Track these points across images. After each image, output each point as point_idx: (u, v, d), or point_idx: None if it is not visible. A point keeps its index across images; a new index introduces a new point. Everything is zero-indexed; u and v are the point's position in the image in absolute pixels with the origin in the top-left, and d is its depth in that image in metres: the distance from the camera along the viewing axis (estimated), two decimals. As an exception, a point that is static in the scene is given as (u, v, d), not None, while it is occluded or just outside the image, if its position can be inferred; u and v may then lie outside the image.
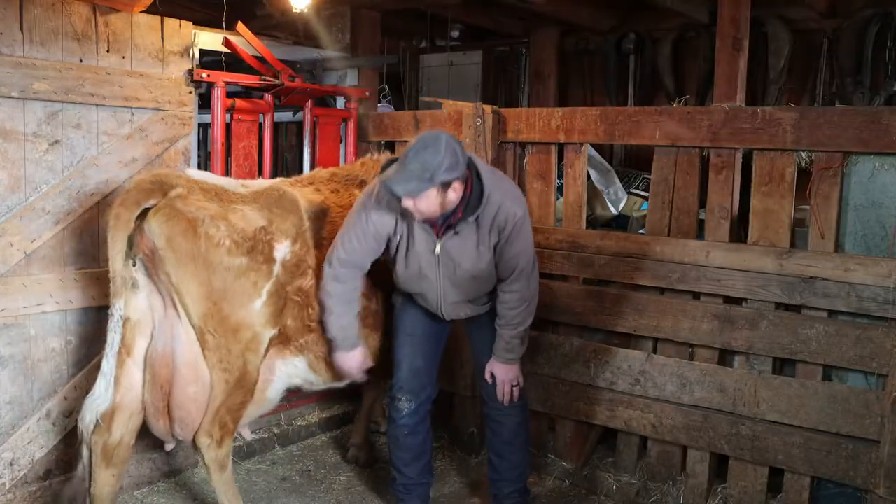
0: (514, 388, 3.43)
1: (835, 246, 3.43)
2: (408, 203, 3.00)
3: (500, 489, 3.58)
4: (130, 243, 3.03)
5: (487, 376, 3.43)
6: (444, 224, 3.16)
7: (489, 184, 3.12)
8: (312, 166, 4.56)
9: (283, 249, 3.28)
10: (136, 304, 3.12)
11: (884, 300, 3.23)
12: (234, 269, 3.11)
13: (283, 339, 3.39)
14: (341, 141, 4.83)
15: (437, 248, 3.19)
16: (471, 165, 3.11)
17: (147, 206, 3.03)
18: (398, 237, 3.24)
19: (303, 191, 3.60)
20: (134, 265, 3.07)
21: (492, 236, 3.18)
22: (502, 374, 3.40)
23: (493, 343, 3.40)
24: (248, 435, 3.58)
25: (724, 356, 3.71)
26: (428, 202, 2.99)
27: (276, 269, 3.25)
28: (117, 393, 3.11)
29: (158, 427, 3.24)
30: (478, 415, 4.38)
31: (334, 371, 3.67)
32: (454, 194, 3.03)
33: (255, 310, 3.19)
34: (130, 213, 3.01)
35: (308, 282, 3.40)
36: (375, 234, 3.22)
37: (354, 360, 3.45)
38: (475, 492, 3.97)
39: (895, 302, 3.21)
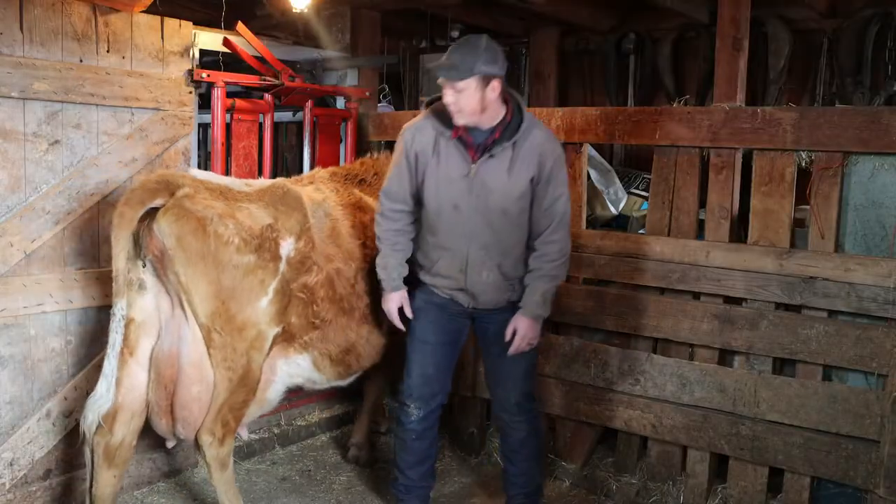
0: (528, 346, 3.32)
1: (835, 246, 3.43)
2: (449, 98, 3.05)
3: (508, 490, 3.61)
4: (138, 244, 3.04)
5: (509, 332, 3.29)
6: (480, 147, 3.16)
7: (529, 119, 3.18)
8: (312, 166, 4.56)
9: (288, 246, 3.29)
10: (142, 304, 3.12)
11: (884, 300, 3.23)
12: (242, 267, 3.12)
13: (286, 337, 3.40)
14: (341, 141, 4.83)
15: (472, 170, 3.16)
16: (513, 98, 3.19)
17: (152, 205, 3.04)
18: (435, 159, 3.21)
19: (304, 189, 3.61)
20: (144, 266, 3.07)
21: (529, 167, 3.14)
22: (526, 329, 3.26)
23: (517, 359, 3.33)
24: (245, 435, 3.58)
25: (724, 356, 3.71)
26: (468, 97, 3.03)
27: (282, 266, 3.26)
28: (119, 394, 3.11)
29: (161, 426, 3.25)
30: (478, 415, 4.39)
31: (338, 369, 3.68)
32: (493, 95, 3.06)
33: (261, 308, 3.19)
34: (134, 212, 3.02)
35: (312, 278, 3.41)
36: (413, 158, 3.24)
37: (391, 301, 3.40)
38: (475, 492, 3.97)
39: (895, 302, 3.21)
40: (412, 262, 3.43)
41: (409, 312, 3.43)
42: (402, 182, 3.31)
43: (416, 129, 3.26)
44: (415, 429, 3.44)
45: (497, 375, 3.47)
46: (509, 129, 3.15)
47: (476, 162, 3.16)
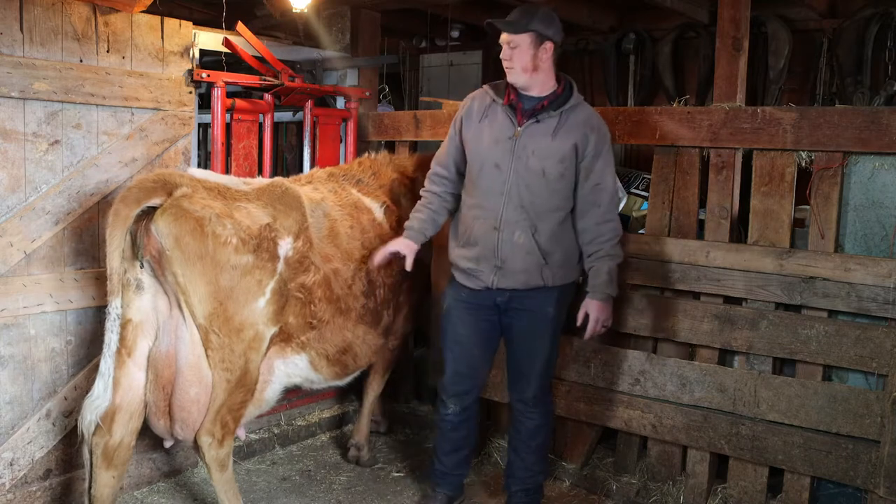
0: (603, 328, 3.39)
1: (835, 246, 3.43)
2: (505, 53, 3.24)
3: (509, 485, 3.62)
4: (136, 245, 3.03)
5: (581, 317, 3.36)
6: (528, 112, 3.29)
7: (580, 98, 3.35)
8: (312, 166, 4.56)
9: (286, 246, 3.29)
10: (139, 305, 3.11)
11: (884, 300, 3.23)
12: (240, 268, 3.11)
13: (284, 337, 3.39)
14: (341, 141, 4.83)
15: (518, 132, 3.28)
16: (567, 79, 3.38)
17: (149, 204, 3.03)
18: (484, 122, 3.36)
19: (303, 189, 3.61)
20: (142, 266, 3.06)
21: (573, 135, 3.25)
22: (598, 311, 3.33)
23: (537, 347, 3.39)
24: (243, 435, 3.58)
25: (724, 356, 3.71)
26: (521, 53, 3.21)
27: (280, 266, 3.25)
28: (117, 394, 3.10)
29: (159, 427, 3.25)
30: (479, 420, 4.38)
31: (335, 369, 3.68)
32: (546, 56, 3.24)
33: (258, 308, 3.19)
34: (130, 210, 3.01)
35: (310, 278, 3.40)
36: (459, 123, 3.45)
37: (393, 243, 3.51)
38: (475, 492, 3.97)
39: (895, 302, 3.21)
40: (449, 246, 3.52)
41: (408, 265, 3.49)
42: (449, 147, 3.51)
43: (473, 98, 3.47)
44: (451, 420, 3.57)
45: (520, 370, 3.49)
46: (558, 100, 3.30)
47: (522, 125, 3.28)
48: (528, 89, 3.30)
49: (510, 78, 3.29)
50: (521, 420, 3.55)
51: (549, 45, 3.25)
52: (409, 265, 3.49)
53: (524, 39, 3.21)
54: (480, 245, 3.35)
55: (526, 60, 3.23)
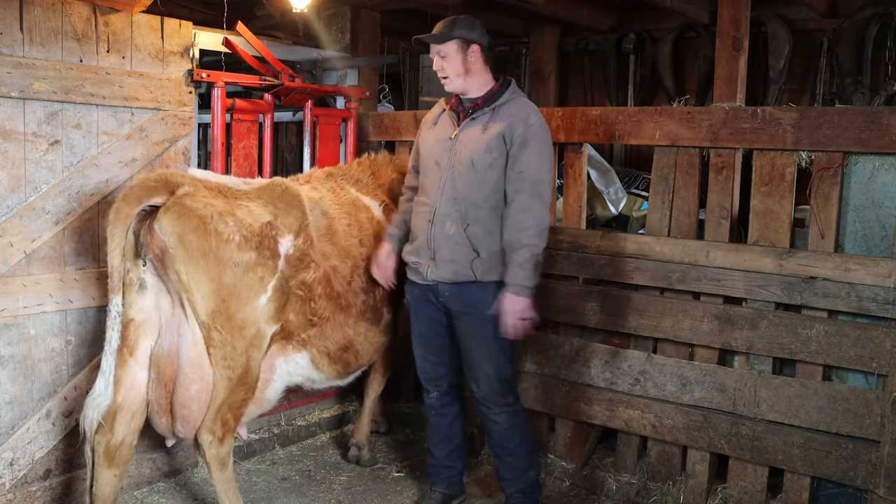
0: (523, 323, 3.27)
1: (835, 246, 3.43)
2: (436, 65, 3.42)
3: (504, 488, 3.62)
4: (139, 243, 3.04)
5: (496, 309, 3.31)
6: (466, 112, 3.44)
7: (516, 94, 3.43)
8: (312, 166, 4.56)
9: (286, 244, 3.30)
10: (142, 304, 3.12)
11: (884, 300, 3.23)
12: (242, 265, 3.12)
13: (284, 335, 3.40)
14: (341, 141, 4.83)
15: (455, 131, 3.42)
16: (506, 80, 3.48)
17: (150, 203, 3.04)
18: (432, 128, 3.55)
19: (302, 188, 3.62)
20: (144, 265, 3.07)
21: (500, 126, 3.31)
22: (508, 304, 3.25)
23: (480, 347, 3.39)
24: (245, 434, 3.58)
25: (724, 356, 3.71)
26: (450, 61, 3.37)
27: (281, 263, 3.26)
28: (118, 393, 3.11)
29: (161, 425, 3.26)
30: (476, 415, 4.38)
31: (336, 367, 3.69)
32: (474, 58, 3.37)
33: (260, 305, 3.20)
34: (131, 209, 3.02)
35: (310, 275, 3.41)
36: (422, 127, 3.64)
37: (380, 249, 3.70)
38: (474, 492, 3.97)
39: (895, 302, 3.21)
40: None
41: (386, 269, 3.67)
42: (412, 156, 3.71)
43: (431, 110, 3.67)
44: (433, 405, 3.67)
45: (469, 370, 3.51)
46: (494, 97, 3.41)
47: (461, 125, 3.42)
48: (467, 93, 3.44)
49: (447, 87, 3.44)
50: (487, 425, 3.56)
51: (475, 48, 3.36)
52: (388, 268, 3.69)
53: (451, 47, 3.36)
54: (419, 238, 3.48)
55: (457, 66, 3.37)
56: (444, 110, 3.55)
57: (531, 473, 3.59)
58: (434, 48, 3.41)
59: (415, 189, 3.65)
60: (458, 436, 3.71)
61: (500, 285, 3.32)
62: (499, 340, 3.38)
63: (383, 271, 3.68)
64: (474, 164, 3.32)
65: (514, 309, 3.25)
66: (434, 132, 3.53)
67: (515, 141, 3.29)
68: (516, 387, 3.69)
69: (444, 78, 3.41)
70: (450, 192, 3.37)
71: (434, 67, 3.46)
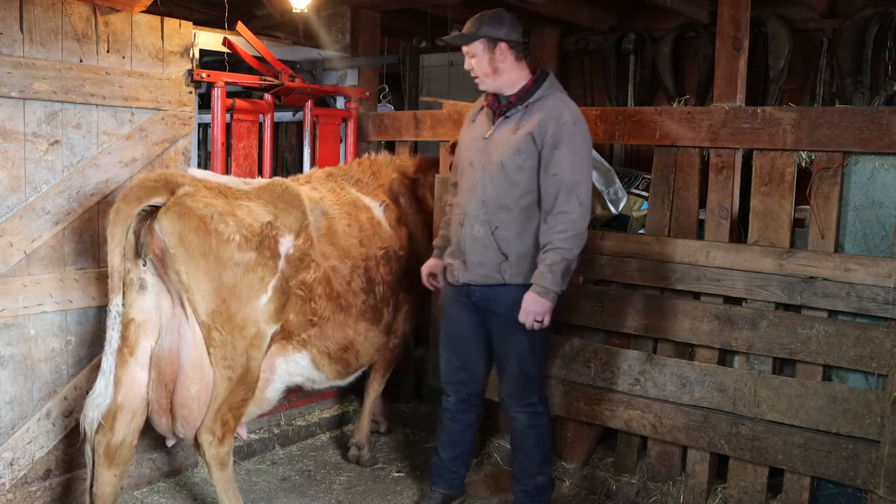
0: (536, 323, 3.24)
1: (835, 246, 3.43)
2: (467, 65, 3.36)
3: (513, 486, 3.63)
4: (140, 243, 3.04)
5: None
6: (500, 111, 3.37)
7: (552, 90, 3.33)
8: (312, 166, 4.56)
9: (287, 244, 3.30)
10: (142, 304, 3.12)
11: (884, 300, 3.23)
12: (243, 265, 3.13)
13: (285, 335, 3.41)
14: (341, 141, 4.84)
15: (490, 130, 3.37)
16: (542, 73, 3.39)
17: (150, 203, 3.04)
18: (470, 126, 3.51)
19: (302, 188, 3.62)
20: (144, 265, 3.07)
21: (531, 126, 3.23)
22: (528, 302, 3.21)
23: (509, 346, 3.39)
24: (245, 434, 3.59)
25: (724, 356, 3.71)
26: (479, 61, 3.31)
27: (281, 263, 3.27)
28: (119, 392, 3.11)
29: (161, 424, 3.26)
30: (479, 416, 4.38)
31: (337, 367, 3.69)
32: (503, 57, 3.28)
33: (260, 305, 3.20)
34: (131, 209, 3.02)
35: (310, 275, 3.41)
36: (464, 124, 3.58)
37: (425, 265, 3.69)
38: (474, 492, 3.97)
39: (895, 302, 3.21)
40: None
41: (439, 280, 3.64)
42: (456, 153, 3.63)
43: (474, 105, 3.61)
44: (449, 409, 3.64)
45: (498, 367, 3.53)
46: (527, 94, 3.32)
47: (495, 124, 3.37)
48: (501, 91, 3.37)
49: (480, 87, 3.39)
50: (510, 420, 3.58)
51: (503, 46, 3.28)
52: (440, 282, 3.65)
53: (478, 47, 3.30)
54: (453, 240, 3.48)
55: (485, 66, 3.31)
56: (482, 107, 3.49)
57: (540, 479, 3.57)
58: (464, 48, 3.35)
59: (454, 186, 3.63)
60: (468, 443, 3.70)
61: (528, 288, 3.28)
62: (527, 342, 3.36)
63: (431, 282, 3.71)
64: (504, 165, 3.26)
65: (535, 310, 3.21)
66: (471, 130, 3.49)
67: (547, 141, 3.20)
68: (545, 390, 3.66)
69: (475, 77, 3.35)
70: (479, 195, 3.33)
71: (465, 67, 3.39)
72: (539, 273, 3.23)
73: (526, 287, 3.27)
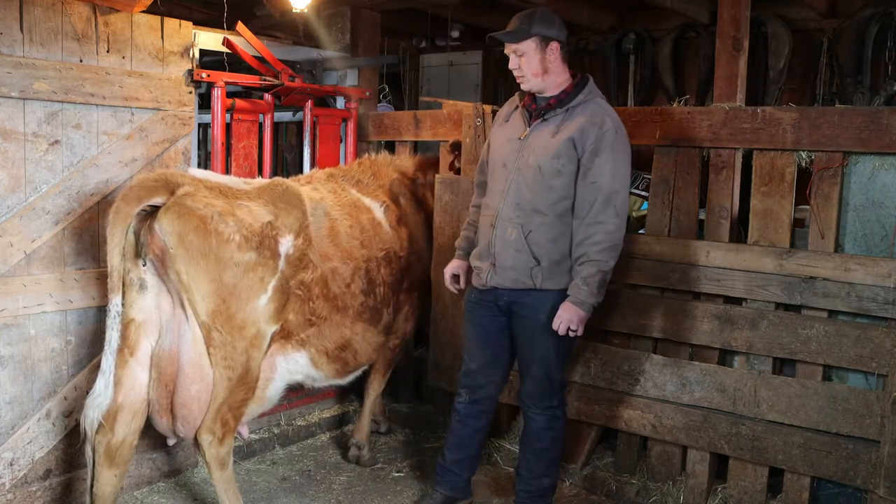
0: (570, 332, 3.22)
1: (835, 246, 3.43)
2: (513, 63, 3.27)
3: (516, 485, 3.61)
4: (140, 244, 3.04)
5: (556, 323, 3.23)
6: (538, 112, 3.31)
7: (592, 95, 3.29)
8: (312, 166, 4.56)
9: (286, 244, 3.30)
10: (142, 304, 3.12)
11: (884, 300, 3.23)
12: (243, 265, 3.13)
13: (284, 334, 3.41)
14: (341, 141, 4.83)
15: (526, 132, 3.31)
16: (583, 78, 3.34)
17: (150, 203, 3.04)
18: (503, 125, 3.45)
19: (303, 188, 3.62)
20: (144, 265, 3.07)
21: (571, 131, 3.19)
22: (564, 311, 3.19)
23: (534, 349, 3.36)
24: (246, 434, 3.59)
25: (724, 356, 3.71)
26: (529, 60, 3.23)
27: (281, 263, 3.27)
28: (119, 392, 3.11)
29: (161, 424, 3.26)
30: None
31: (335, 366, 3.69)
32: (553, 57, 3.23)
33: (260, 305, 3.20)
34: (131, 209, 3.02)
35: (310, 275, 3.41)
36: (495, 123, 3.53)
37: (447, 266, 3.68)
38: (475, 491, 3.97)
39: (895, 302, 3.21)
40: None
41: (461, 282, 3.64)
42: (482, 152, 3.61)
43: (506, 104, 3.53)
44: (461, 411, 3.60)
45: (520, 367, 3.51)
46: (567, 97, 3.27)
47: (532, 126, 3.31)
48: (544, 92, 3.31)
49: (524, 86, 3.31)
50: (525, 419, 3.55)
51: (554, 46, 3.23)
52: (462, 282, 3.64)
53: (529, 45, 3.22)
54: (482, 242, 3.42)
55: (535, 65, 3.24)
56: (518, 107, 3.41)
57: (545, 481, 3.55)
58: (510, 46, 3.25)
59: (482, 185, 3.56)
60: (475, 448, 3.67)
61: (559, 294, 3.25)
62: (552, 346, 3.34)
63: (454, 285, 3.68)
64: (541, 168, 3.21)
65: (570, 318, 3.19)
66: (505, 130, 3.42)
67: (587, 148, 3.17)
68: (565, 395, 3.63)
69: (521, 76, 3.27)
70: (514, 197, 3.28)
71: (510, 66, 3.30)
72: (575, 285, 3.21)
73: (557, 293, 3.26)
